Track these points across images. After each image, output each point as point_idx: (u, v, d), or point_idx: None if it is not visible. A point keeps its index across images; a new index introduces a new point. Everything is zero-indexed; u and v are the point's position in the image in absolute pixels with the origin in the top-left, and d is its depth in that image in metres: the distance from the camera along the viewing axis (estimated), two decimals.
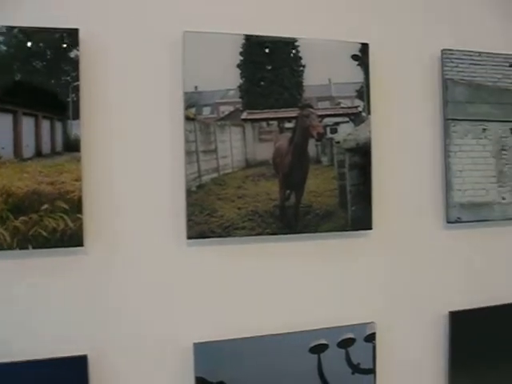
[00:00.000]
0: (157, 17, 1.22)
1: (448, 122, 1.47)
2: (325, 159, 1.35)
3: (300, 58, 1.33)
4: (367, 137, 1.38)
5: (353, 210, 1.37)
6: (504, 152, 1.54)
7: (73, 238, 1.13)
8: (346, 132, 1.37)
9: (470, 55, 1.51)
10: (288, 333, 1.32)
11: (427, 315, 1.47)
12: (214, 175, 1.26)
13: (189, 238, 1.23)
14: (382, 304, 1.45)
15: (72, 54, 1.14)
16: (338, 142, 1.36)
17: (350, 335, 1.39)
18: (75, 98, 1.14)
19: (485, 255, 1.54)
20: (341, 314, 1.37)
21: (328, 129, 1.35)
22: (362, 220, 1.38)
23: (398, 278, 1.46)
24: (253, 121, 1.30)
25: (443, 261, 1.50)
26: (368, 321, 1.39)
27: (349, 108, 1.38)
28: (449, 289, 1.50)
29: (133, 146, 1.20)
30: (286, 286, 1.33)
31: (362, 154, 1.38)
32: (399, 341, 1.45)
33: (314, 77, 1.34)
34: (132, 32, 1.21)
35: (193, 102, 1.23)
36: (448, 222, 1.47)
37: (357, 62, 1.38)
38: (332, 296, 1.38)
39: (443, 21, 1.53)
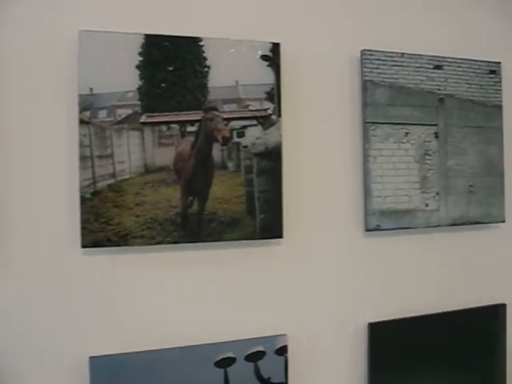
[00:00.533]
0: (53, 15, 1.25)
1: (367, 125, 1.51)
2: (231, 164, 1.38)
3: (205, 59, 1.36)
4: (277, 141, 1.41)
5: (261, 218, 1.40)
6: (428, 157, 1.58)
7: None
8: (254, 136, 1.40)
9: (392, 56, 1.55)
10: (193, 346, 1.36)
11: (345, 327, 1.52)
12: (111, 181, 1.29)
13: (83, 246, 1.26)
14: (295, 316, 1.51)
15: None
16: (246, 147, 1.39)
17: (260, 348, 1.42)
18: None
19: (407, 264, 1.58)
20: (250, 326, 1.41)
21: (234, 132, 1.39)
22: (271, 228, 1.41)
23: (313, 289, 1.52)
24: (152, 124, 1.33)
25: (362, 270, 1.53)
26: (279, 333, 1.42)
27: (257, 111, 1.41)
28: (368, 299, 1.53)
29: (28, 150, 1.24)
30: (191, 296, 1.38)
31: (271, 159, 1.41)
32: (315, 353, 1.48)
33: (220, 78, 1.37)
34: (28, 31, 1.24)
35: (87, 105, 1.26)
36: (367, 230, 1.51)
37: (267, 63, 1.41)
38: (240, 307, 1.44)
39: (364, 21, 1.60)
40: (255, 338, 1.43)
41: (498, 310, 1.73)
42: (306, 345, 1.48)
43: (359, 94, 1.54)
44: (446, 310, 1.65)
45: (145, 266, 1.34)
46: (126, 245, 1.31)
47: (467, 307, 1.68)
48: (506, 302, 1.74)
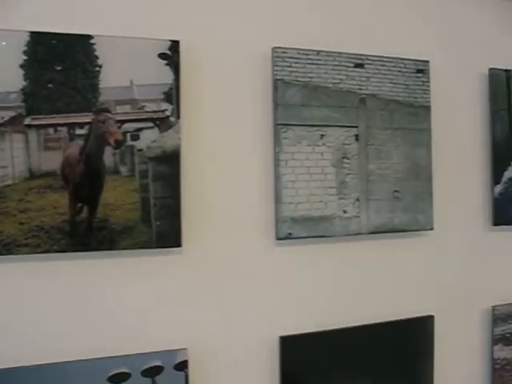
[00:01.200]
0: None
1: (278, 127, 1.56)
2: (124, 169, 1.43)
3: (96, 57, 1.41)
4: (176, 144, 1.46)
5: (157, 225, 1.45)
6: (346, 160, 1.63)
7: None
8: (150, 139, 1.45)
9: (307, 54, 1.60)
10: (84, 360, 1.41)
11: (254, 340, 1.56)
12: None
13: None
14: (199, 329, 1.57)
15: None
16: (141, 150, 1.44)
17: (157, 363, 1.47)
18: None
19: (322, 275, 1.62)
20: (147, 339, 1.46)
21: (128, 135, 1.43)
22: (168, 236, 1.46)
23: (217, 301, 1.58)
24: (38, 127, 1.38)
25: (272, 281, 1.57)
26: (179, 347, 1.46)
27: (154, 112, 1.46)
28: (279, 311, 1.58)
29: None
30: (79, 308, 1.44)
31: (169, 163, 1.46)
32: (221, 368, 1.53)
33: (113, 78, 1.42)
34: None
35: None
36: (278, 239, 1.55)
37: (165, 62, 1.45)
38: (137, 319, 1.50)
39: (277, 17, 1.66)
40: (152, 353, 1.47)
41: (425, 322, 1.76)
42: (210, 359, 1.54)
43: (271, 94, 1.57)
44: (369, 322, 1.67)
45: (29, 276, 1.39)
46: (10, 254, 1.35)
47: (392, 319, 1.71)
48: (433, 314, 1.75)
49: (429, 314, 1.81)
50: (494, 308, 1.91)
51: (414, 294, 1.80)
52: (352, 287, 1.71)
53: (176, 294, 1.52)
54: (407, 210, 1.75)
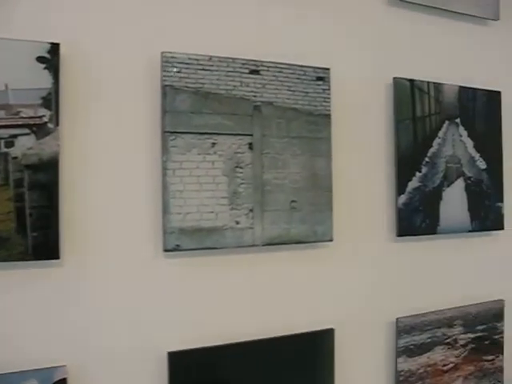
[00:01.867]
0: None
1: (166, 134, 1.65)
2: None
3: None
4: (54, 151, 1.53)
5: (34, 237, 1.50)
6: (239, 170, 1.73)
7: None
8: (25, 146, 1.51)
9: (198, 59, 1.69)
10: None
11: (139, 356, 1.63)
12: None
13: None
14: (78, 344, 1.63)
15: None
16: (16, 158, 1.49)
17: (33, 382, 1.50)
18: None
19: (211, 288, 1.71)
20: (24, 357, 1.51)
21: (2, 142, 1.48)
22: (45, 248, 1.52)
23: (98, 315, 1.66)
24: None
25: (159, 294, 1.64)
26: (58, 364, 1.51)
27: (30, 118, 1.51)
28: (167, 326, 1.66)
29: None
30: None
31: (46, 172, 1.52)
32: None
33: None
34: None
35: None
36: (165, 251, 1.63)
37: (44, 65, 1.51)
38: (10, 334, 1.55)
39: (167, 20, 1.76)
40: (27, 371, 1.51)
41: (325, 335, 1.88)
42: (92, 377, 1.58)
43: (160, 100, 1.65)
44: (265, 336, 1.76)
45: None
46: None
47: (290, 333, 1.81)
48: (334, 327, 1.87)
49: (329, 327, 1.90)
50: (397, 320, 2.04)
51: (313, 307, 1.92)
52: (246, 301, 1.81)
53: (54, 308, 1.58)
54: (305, 220, 1.86)
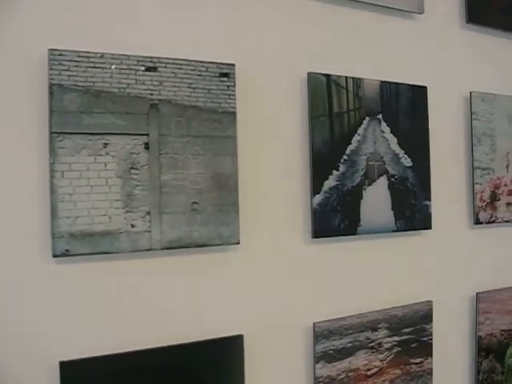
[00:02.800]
0: None
1: (53, 135, 1.63)
2: None
3: None
4: None
5: None
6: (135, 171, 1.72)
7: None
8: None
9: (88, 57, 1.67)
10: None
11: (32, 366, 1.61)
12: None
13: None
14: None
15: None
16: None
17: None
18: None
19: (105, 295, 1.69)
20: None
21: None
22: None
23: None
24: None
25: (49, 302, 1.65)
26: None
27: None
28: (59, 335, 1.64)
29: None
30: None
31: None
32: None
33: None
34: None
35: None
36: (54, 256, 1.61)
37: None
38: None
39: (54, 16, 1.74)
40: None
41: (233, 342, 1.87)
42: None
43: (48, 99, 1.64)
44: (170, 343, 1.76)
45: None
46: None
47: (197, 340, 1.80)
48: (242, 333, 1.86)
49: (239, 333, 1.89)
50: (315, 325, 2.03)
51: (220, 313, 1.91)
52: (145, 307, 1.80)
53: None
54: (208, 223, 1.85)
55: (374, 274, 2.30)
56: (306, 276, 2.13)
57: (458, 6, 2.63)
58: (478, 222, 2.59)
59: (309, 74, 2.11)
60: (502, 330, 2.66)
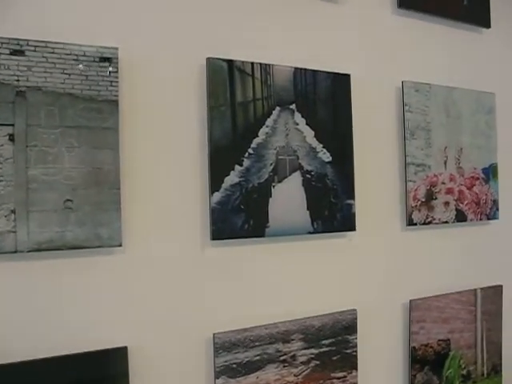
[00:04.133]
0: None
1: None
2: None
3: None
4: None
5: None
6: None
7: None
8: None
9: None
10: None
11: None
12: None
13: None
14: None
15: None
16: None
17: None
18: None
19: None
20: None
21: None
22: None
23: None
24: None
25: None
26: None
27: None
28: None
29: None
30: None
31: None
32: None
33: None
34: None
35: None
36: None
37: None
38: None
39: None
40: None
41: (116, 355, 1.77)
42: None
43: None
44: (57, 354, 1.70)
45: None
46: None
47: (75, 352, 1.70)
48: (126, 344, 1.76)
49: (123, 345, 1.78)
50: (214, 336, 1.92)
51: (105, 322, 1.80)
52: (12, 316, 1.68)
53: None
54: (84, 222, 1.76)
55: (286, 280, 2.19)
56: (202, 282, 2.02)
57: None
58: (411, 223, 2.48)
59: (208, 59, 2.01)
60: (439, 340, 2.55)
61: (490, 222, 2.83)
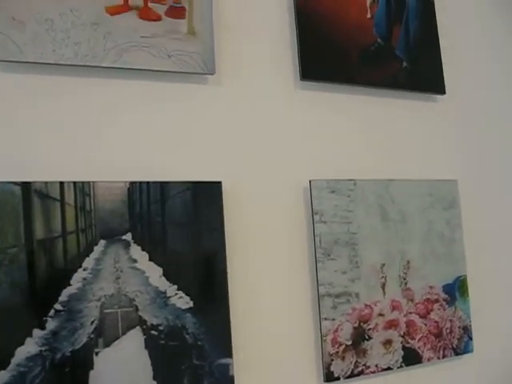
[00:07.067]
0: None
1: None
2: None
3: None
4: None
5: None
6: None
7: None
8: None
9: None
10: None
11: None
12: None
13: None
14: None
15: None
16: None
17: None
18: None
19: None
20: None
21: None
22: None
23: None
24: None
25: None
26: None
27: None
28: None
29: None
30: None
31: None
32: None
33: None
34: None
35: None
36: None
37: None
38: None
39: None
40: None
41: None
42: None
43: None
44: None
45: None
46: None
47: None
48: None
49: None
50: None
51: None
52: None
53: None
54: None
55: None
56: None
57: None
58: (330, 377, 1.91)
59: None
60: None
61: (461, 357, 2.21)
